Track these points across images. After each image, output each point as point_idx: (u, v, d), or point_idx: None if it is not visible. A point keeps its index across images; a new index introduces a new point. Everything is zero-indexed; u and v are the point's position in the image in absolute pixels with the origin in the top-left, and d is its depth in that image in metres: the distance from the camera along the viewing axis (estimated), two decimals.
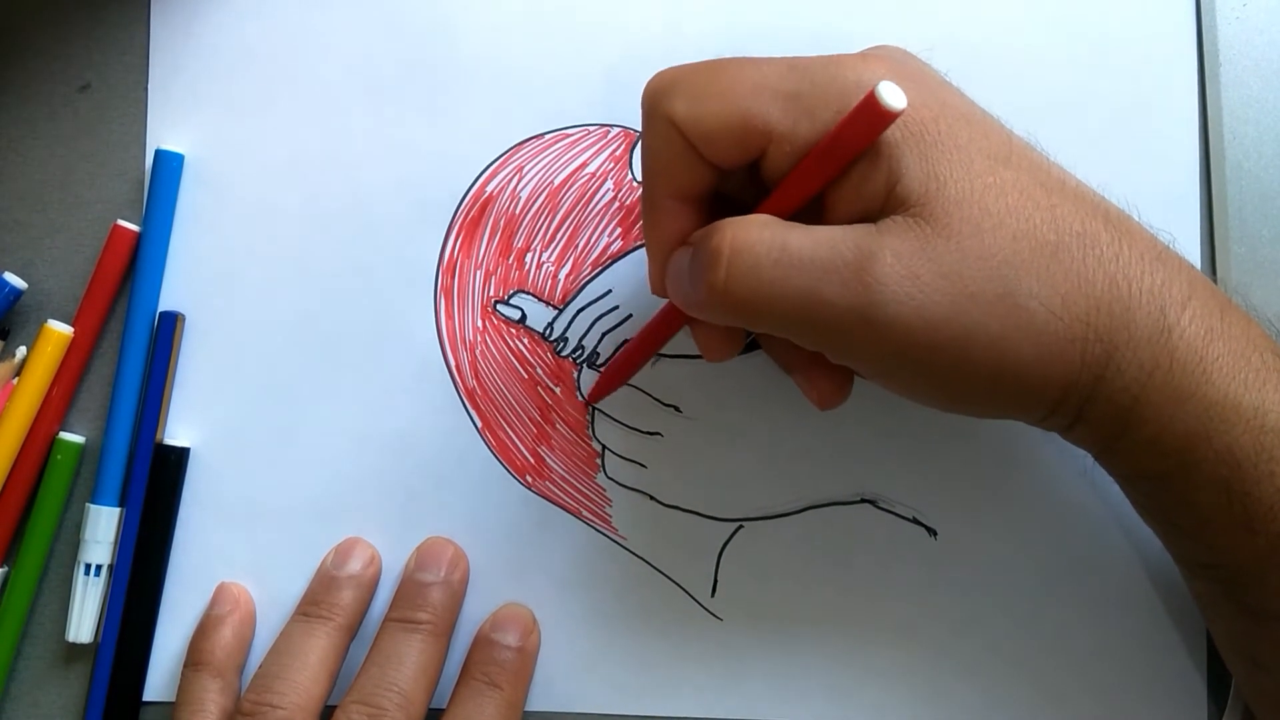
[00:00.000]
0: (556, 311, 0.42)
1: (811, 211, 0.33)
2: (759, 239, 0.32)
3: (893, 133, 0.31)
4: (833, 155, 0.31)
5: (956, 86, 0.35)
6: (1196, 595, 0.36)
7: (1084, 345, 0.31)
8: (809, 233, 0.31)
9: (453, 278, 0.42)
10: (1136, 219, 0.33)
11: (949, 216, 0.31)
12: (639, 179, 0.40)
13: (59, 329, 0.41)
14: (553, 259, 0.42)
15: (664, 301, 0.37)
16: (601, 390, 0.41)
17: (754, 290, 0.31)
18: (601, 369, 0.41)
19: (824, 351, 0.33)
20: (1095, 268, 0.31)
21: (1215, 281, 0.41)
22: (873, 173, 0.32)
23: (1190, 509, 0.33)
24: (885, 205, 0.32)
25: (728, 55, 0.42)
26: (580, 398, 0.42)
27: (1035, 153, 0.33)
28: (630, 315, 0.41)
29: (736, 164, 0.33)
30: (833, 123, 0.31)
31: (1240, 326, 0.32)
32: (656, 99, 0.34)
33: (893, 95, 0.29)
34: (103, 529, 0.41)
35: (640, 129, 0.36)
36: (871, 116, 0.30)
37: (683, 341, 0.40)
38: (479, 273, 0.42)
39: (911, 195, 0.31)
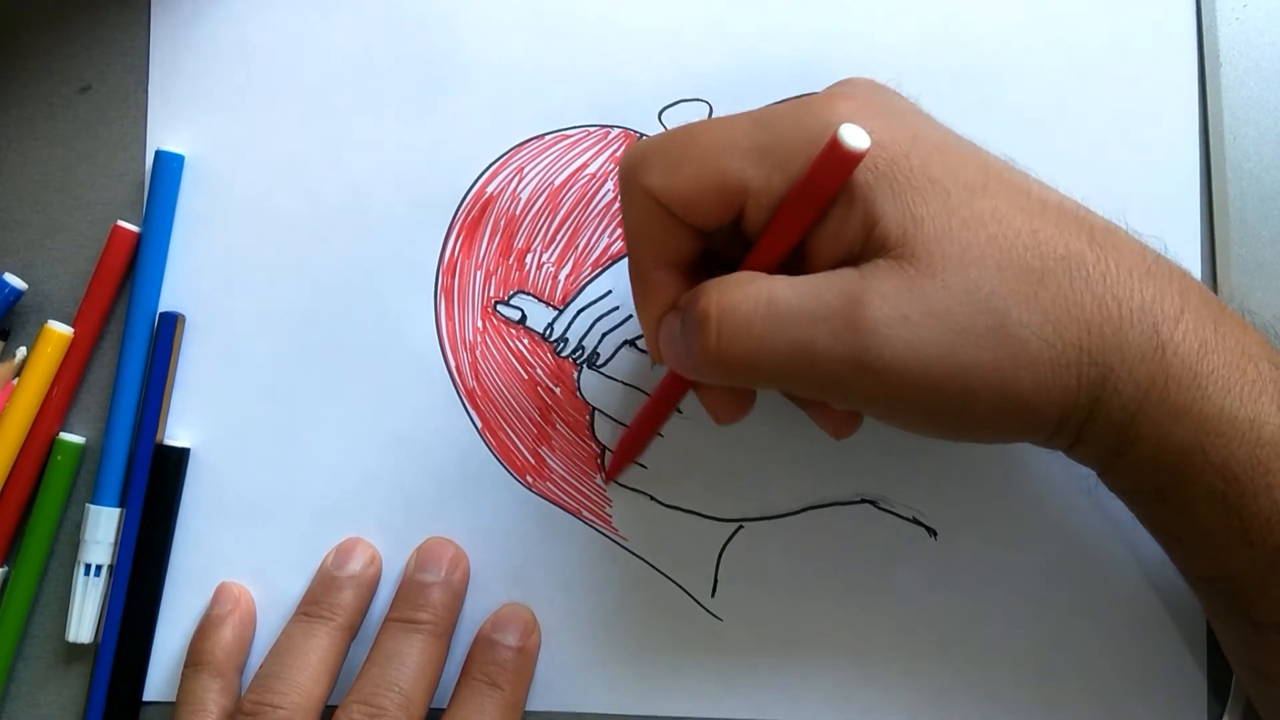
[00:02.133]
0: (557, 312, 0.42)
1: (796, 262, 0.33)
2: (744, 296, 0.31)
3: (864, 174, 0.31)
4: (806, 203, 0.31)
5: (928, 114, 0.34)
6: (1202, 606, 0.36)
7: (1079, 369, 0.31)
8: (793, 284, 0.31)
9: (453, 278, 0.42)
10: (1124, 229, 0.33)
11: (930, 254, 0.30)
12: None
13: (59, 329, 0.41)
14: (553, 259, 0.42)
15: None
16: (618, 465, 0.41)
17: (747, 348, 0.31)
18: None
19: (825, 400, 0.33)
20: (1083, 290, 0.31)
21: (1216, 283, 0.41)
22: (849, 216, 0.31)
23: (1189, 522, 0.33)
24: (866, 248, 0.31)
25: (728, 54, 0.42)
26: (580, 398, 0.42)
27: (1014, 173, 0.33)
28: (630, 315, 0.41)
29: (718, 225, 0.33)
30: (804, 171, 0.31)
31: (1235, 336, 0.32)
32: (632, 174, 0.33)
33: (855, 137, 0.29)
34: (103, 529, 0.41)
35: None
36: (837, 160, 0.30)
37: None
38: (479, 273, 0.42)
39: (891, 237, 0.31)
